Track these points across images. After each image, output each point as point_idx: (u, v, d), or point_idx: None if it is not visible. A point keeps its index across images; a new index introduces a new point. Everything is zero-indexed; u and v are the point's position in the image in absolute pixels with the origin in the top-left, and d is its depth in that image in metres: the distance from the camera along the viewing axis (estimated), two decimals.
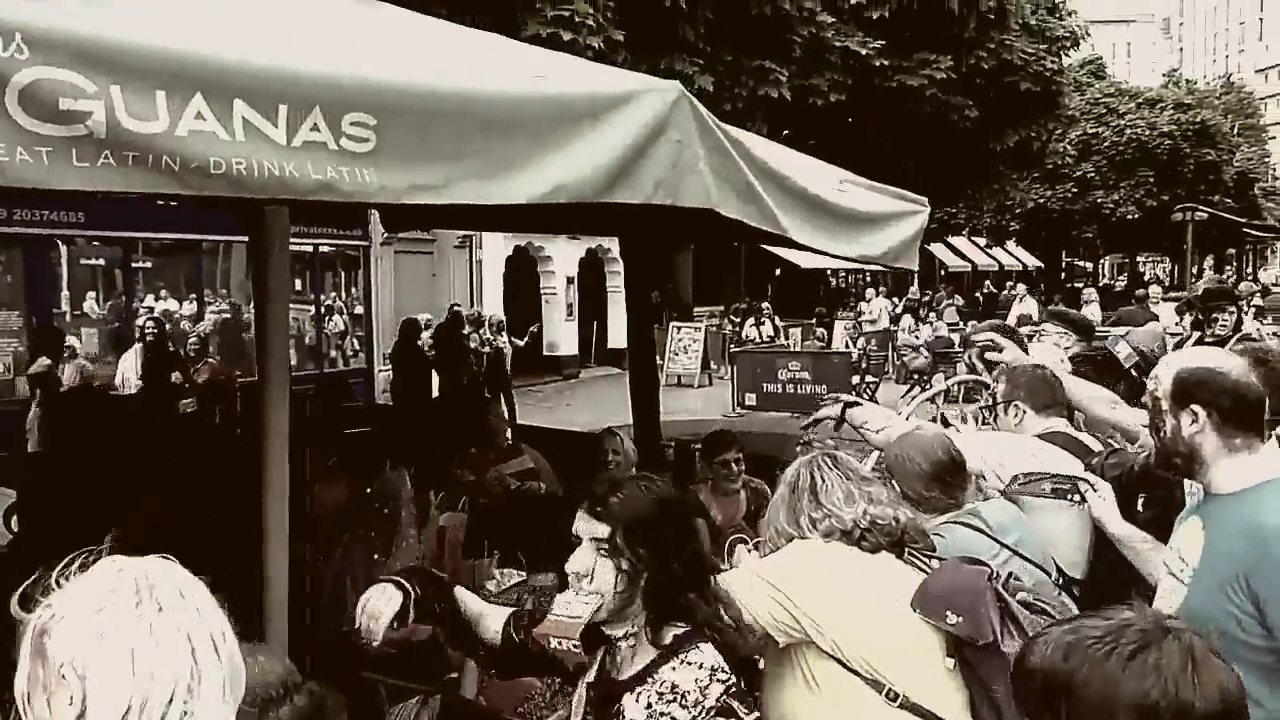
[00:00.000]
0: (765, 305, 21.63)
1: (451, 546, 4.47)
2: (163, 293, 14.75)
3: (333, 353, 16.02)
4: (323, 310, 15.88)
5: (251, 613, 2.91)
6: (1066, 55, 15.34)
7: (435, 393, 12.34)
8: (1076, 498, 2.74)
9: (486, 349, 13.36)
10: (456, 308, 14.23)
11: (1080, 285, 24.37)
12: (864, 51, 10.42)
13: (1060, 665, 1.31)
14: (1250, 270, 49.93)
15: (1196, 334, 6.61)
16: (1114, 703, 1.25)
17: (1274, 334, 8.90)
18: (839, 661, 2.11)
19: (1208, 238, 37.91)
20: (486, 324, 13.82)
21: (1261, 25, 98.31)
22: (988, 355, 3.82)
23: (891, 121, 11.58)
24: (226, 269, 15.50)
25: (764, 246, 15.42)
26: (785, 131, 10.33)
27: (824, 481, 2.32)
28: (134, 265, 14.10)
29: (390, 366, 13.17)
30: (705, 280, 22.63)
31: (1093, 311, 11.37)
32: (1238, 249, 49.09)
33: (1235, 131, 41.28)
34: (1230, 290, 9.46)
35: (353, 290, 16.55)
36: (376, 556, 3.85)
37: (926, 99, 11.31)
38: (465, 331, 13.55)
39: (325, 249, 15.84)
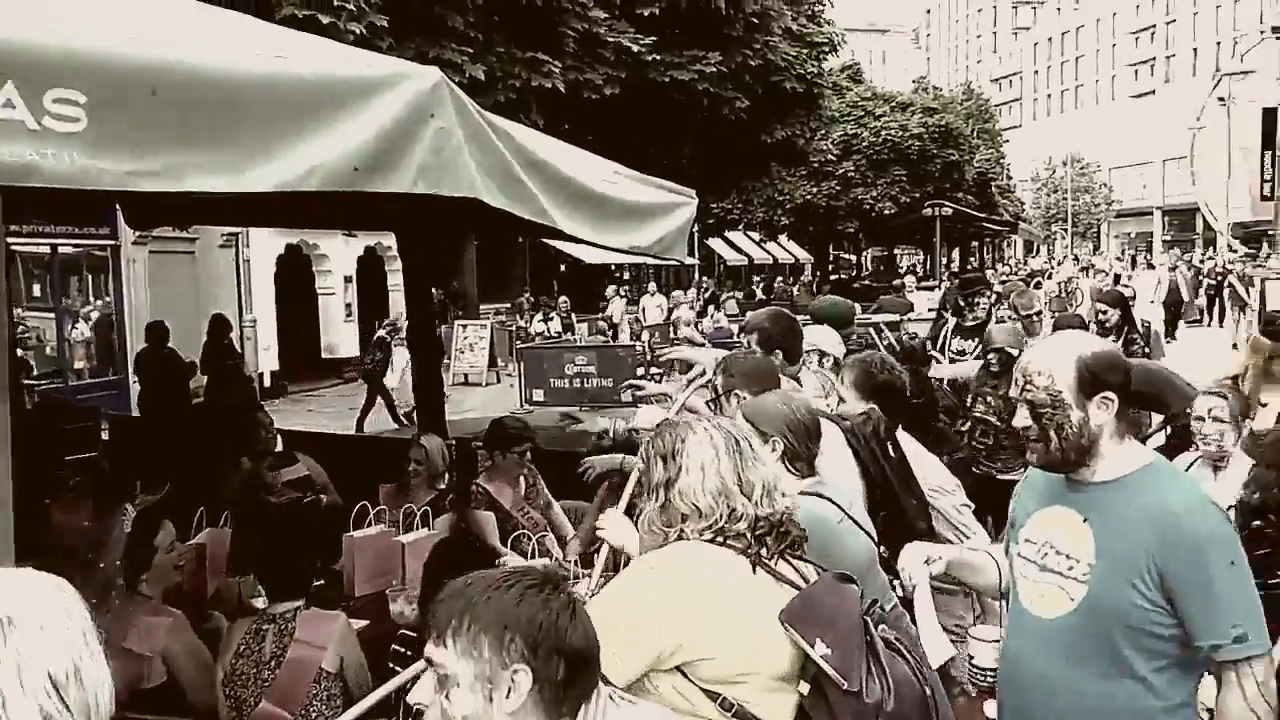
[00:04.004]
0: (563, 300, 21.66)
1: (214, 565, 4.18)
2: None
3: (79, 363, 14.60)
4: (65, 317, 14.42)
5: None
6: (826, 60, 16.28)
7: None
8: None
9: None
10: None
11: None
12: (636, 48, 10.60)
13: (472, 593, 1.57)
14: (990, 260, 54.84)
15: (956, 319, 7.16)
16: (509, 618, 1.53)
17: (1010, 316, 9.81)
18: (681, 673, 2.01)
19: (954, 231, 41.32)
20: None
21: (996, 39, 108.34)
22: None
23: (666, 115, 11.86)
24: None
25: (546, 241, 15.40)
26: (565, 125, 10.35)
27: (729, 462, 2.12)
28: None
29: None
30: (490, 277, 22.38)
31: None
32: (979, 242, 53.78)
33: (975, 135, 45.16)
34: (983, 276, 10.43)
35: (103, 295, 15.14)
36: (121, 581, 3.52)
37: (699, 93, 11.67)
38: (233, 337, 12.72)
39: (67, 249, 14.40)
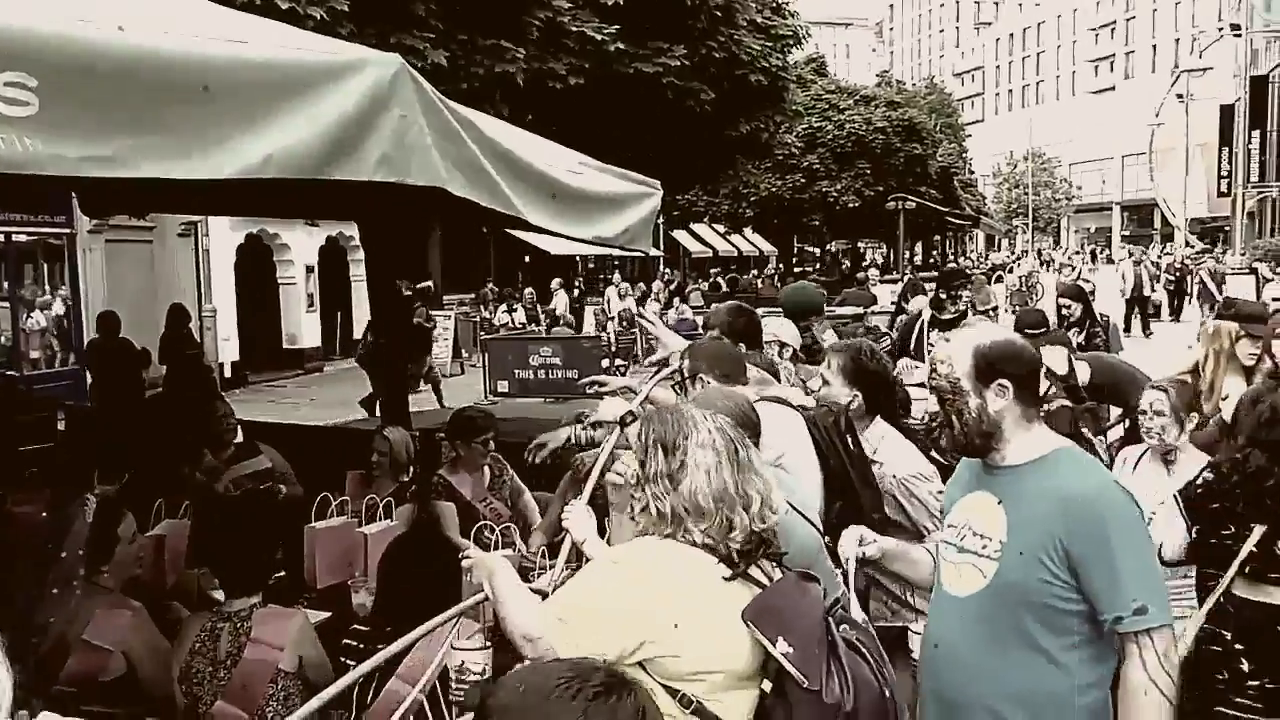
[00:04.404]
0: (528, 291, 21.47)
1: (173, 557, 4.13)
2: None
3: (35, 353, 14.34)
4: (20, 306, 14.15)
5: None
6: (790, 53, 16.33)
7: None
8: None
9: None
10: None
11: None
12: (600, 37, 10.56)
13: (528, 702, 1.33)
14: (953, 254, 55.49)
15: (932, 312, 7.22)
16: None
17: (981, 315, 9.93)
18: (642, 668, 1.98)
19: (917, 225, 41.70)
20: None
21: (958, 34, 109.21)
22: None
23: (630, 107, 11.84)
24: None
25: (510, 231, 15.35)
26: (530, 116, 10.31)
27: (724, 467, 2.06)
28: None
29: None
30: (455, 268, 22.25)
31: None
32: (942, 235, 54.34)
33: (938, 129, 45.57)
34: (964, 270, 10.54)
35: (59, 284, 14.87)
36: (83, 572, 3.47)
37: (664, 85, 11.67)
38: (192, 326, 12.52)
39: (21, 238, 14.13)
